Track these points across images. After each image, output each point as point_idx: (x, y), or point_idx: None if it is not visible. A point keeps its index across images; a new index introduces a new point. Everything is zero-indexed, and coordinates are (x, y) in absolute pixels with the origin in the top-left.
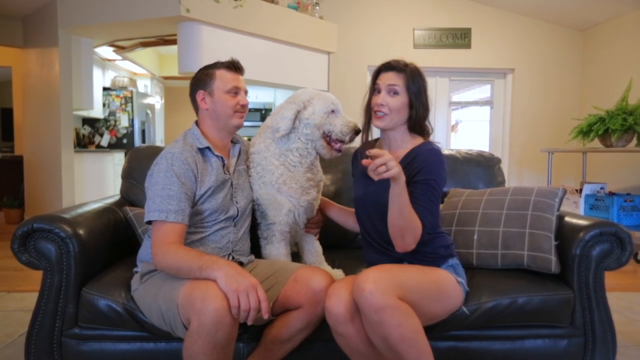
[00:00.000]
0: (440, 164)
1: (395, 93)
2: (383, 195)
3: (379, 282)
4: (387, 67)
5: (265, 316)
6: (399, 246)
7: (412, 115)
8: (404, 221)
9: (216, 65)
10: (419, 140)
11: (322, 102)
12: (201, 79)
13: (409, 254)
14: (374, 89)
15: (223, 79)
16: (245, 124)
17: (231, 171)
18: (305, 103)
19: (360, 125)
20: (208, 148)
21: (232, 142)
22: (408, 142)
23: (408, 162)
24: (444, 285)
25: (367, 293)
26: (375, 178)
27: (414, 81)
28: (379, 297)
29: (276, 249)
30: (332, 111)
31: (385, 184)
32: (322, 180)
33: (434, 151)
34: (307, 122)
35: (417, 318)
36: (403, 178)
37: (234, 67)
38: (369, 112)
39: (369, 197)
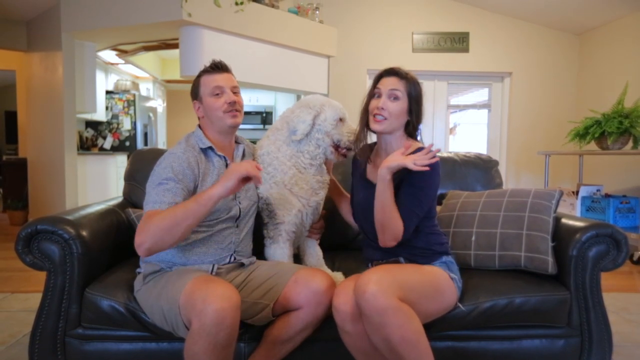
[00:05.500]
0: (432, 167)
1: (396, 98)
2: None
3: (380, 283)
4: (390, 72)
5: (258, 184)
6: (380, 241)
7: (411, 120)
8: (384, 218)
9: (201, 73)
10: (415, 146)
11: (332, 110)
12: (192, 90)
13: (404, 249)
14: (374, 93)
15: (205, 83)
16: (247, 127)
17: None
18: (320, 108)
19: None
20: (210, 148)
21: (236, 142)
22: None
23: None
24: (440, 283)
25: (369, 295)
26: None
27: (415, 88)
28: (381, 298)
29: (281, 249)
30: (341, 119)
31: None
32: (328, 182)
33: None
34: (319, 128)
35: (418, 319)
36: (388, 177)
37: (215, 67)
38: (366, 115)
39: (371, 199)
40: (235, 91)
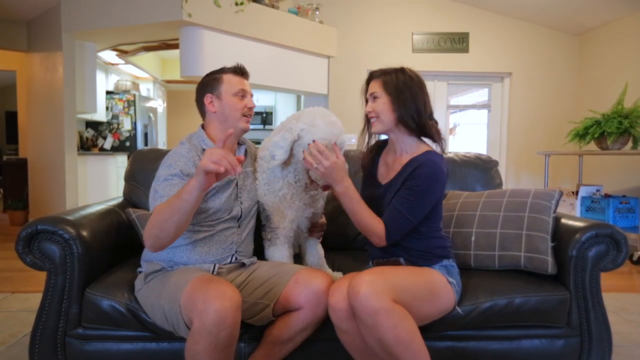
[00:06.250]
0: (433, 175)
1: (376, 97)
2: (385, 197)
3: (373, 285)
4: (370, 76)
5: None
6: (373, 242)
7: (400, 114)
8: (358, 224)
9: (223, 70)
10: (422, 149)
11: (311, 138)
12: (208, 83)
13: (405, 250)
14: (366, 100)
15: (230, 82)
16: None
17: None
18: (299, 133)
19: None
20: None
21: (238, 143)
22: (412, 149)
23: (407, 170)
24: (435, 286)
25: (361, 296)
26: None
27: (392, 80)
28: (373, 300)
29: (279, 251)
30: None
31: (389, 187)
32: (325, 194)
33: (430, 162)
34: (295, 153)
35: (412, 320)
36: (339, 188)
37: (240, 71)
38: (367, 120)
39: (376, 199)
40: (251, 98)
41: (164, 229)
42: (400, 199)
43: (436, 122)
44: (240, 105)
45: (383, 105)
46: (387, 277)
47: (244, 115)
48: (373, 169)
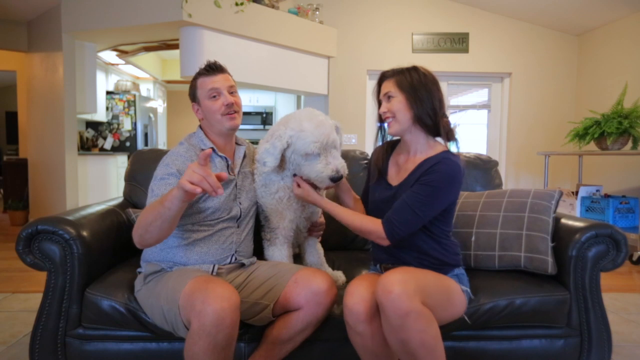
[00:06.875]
0: (450, 173)
1: (391, 97)
2: (396, 199)
3: (405, 285)
4: (382, 77)
5: (219, 192)
6: (377, 242)
7: (417, 112)
8: (354, 230)
9: (196, 75)
10: (439, 149)
11: (302, 143)
12: (190, 92)
13: (415, 258)
14: (380, 101)
15: (202, 85)
16: (247, 127)
17: (236, 172)
18: (288, 141)
19: (342, 169)
20: (212, 149)
21: (237, 144)
22: (428, 149)
23: (422, 169)
24: (452, 293)
25: (394, 296)
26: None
27: (406, 78)
28: (405, 301)
29: (279, 251)
30: (307, 154)
31: (400, 188)
32: (324, 192)
33: (448, 160)
34: (289, 159)
35: (437, 325)
36: (319, 203)
37: (210, 69)
38: (381, 121)
39: (385, 202)
40: (232, 91)
41: (148, 230)
42: (411, 193)
43: (449, 121)
44: (216, 107)
45: (399, 104)
46: (417, 278)
47: (225, 114)
48: (382, 170)
